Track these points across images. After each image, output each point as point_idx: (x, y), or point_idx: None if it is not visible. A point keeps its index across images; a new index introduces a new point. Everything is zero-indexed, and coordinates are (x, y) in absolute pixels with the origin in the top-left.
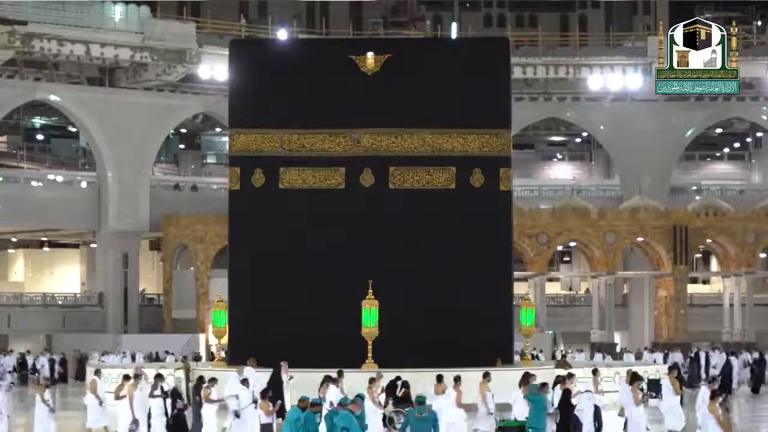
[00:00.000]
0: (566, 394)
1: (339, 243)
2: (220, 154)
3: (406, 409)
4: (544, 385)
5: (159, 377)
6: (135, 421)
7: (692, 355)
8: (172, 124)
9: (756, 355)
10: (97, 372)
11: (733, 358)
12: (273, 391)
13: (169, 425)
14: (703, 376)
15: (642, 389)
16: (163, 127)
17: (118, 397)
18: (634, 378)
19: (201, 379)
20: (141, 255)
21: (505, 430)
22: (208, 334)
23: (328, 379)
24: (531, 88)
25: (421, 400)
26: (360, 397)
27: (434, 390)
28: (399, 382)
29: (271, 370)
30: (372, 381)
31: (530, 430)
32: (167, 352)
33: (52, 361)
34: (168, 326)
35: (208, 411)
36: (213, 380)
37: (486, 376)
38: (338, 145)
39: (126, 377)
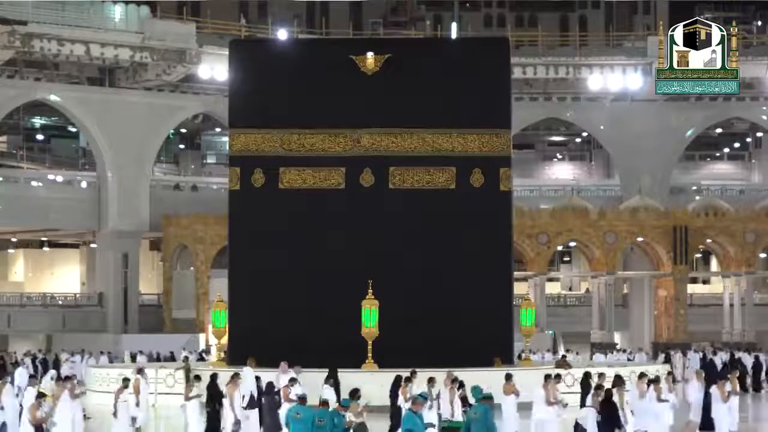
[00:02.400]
0: (608, 395)
1: (339, 243)
2: (220, 154)
3: (464, 410)
4: (598, 387)
5: (198, 378)
6: (237, 422)
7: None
8: (172, 124)
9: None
10: (140, 371)
11: (716, 358)
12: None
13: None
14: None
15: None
16: (163, 127)
17: (188, 398)
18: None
19: (258, 379)
20: (141, 255)
21: (449, 430)
22: (208, 334)
23: (405, 380)
24: (531, 88)
25: (487, 396)
26: (422, 397)
27: (503, 389)
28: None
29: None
30: (454, 381)
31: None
32: (141, 352)
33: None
34: (168, 326)
35: (228, 413)
36: (293, 380)
37: (557, 377)
38: (338, 145)
39: (197, 378)
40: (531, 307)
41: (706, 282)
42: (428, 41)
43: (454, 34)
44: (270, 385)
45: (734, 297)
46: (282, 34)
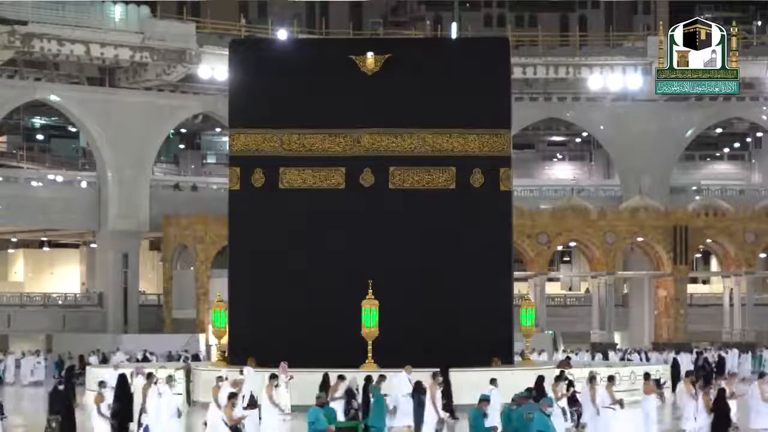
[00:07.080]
0: (721, 393)
1: (339, 243)
2: (220, 154)
3: (522, 406)
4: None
5: (342, 378)
6: (441, 421)
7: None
8: (172, 124)
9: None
10: (220, 379)
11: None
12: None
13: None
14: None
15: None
16: (163, 127)
17: (332, 398)
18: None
19: (369, 379)
20: (141, 255)
21: (339, 430)
22: (208, 334)
23: (556, 378)
24: (531, 88)
25: (548, 401)
26: (549, 399)
27: (643, 389)
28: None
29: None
30: (591, 380)
31: (371, 429)
32: (96, 350)
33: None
34: (168, 326)
35: (430, 413)
36: (436, 377)
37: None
38: (338, 145)
39: (341, 377)
40: (531, 307)
41: (706, 282)
42: (428, 41)
43: (454, 34)
44: (419, 384)
45: (734, 297)
46: (282, 34)
